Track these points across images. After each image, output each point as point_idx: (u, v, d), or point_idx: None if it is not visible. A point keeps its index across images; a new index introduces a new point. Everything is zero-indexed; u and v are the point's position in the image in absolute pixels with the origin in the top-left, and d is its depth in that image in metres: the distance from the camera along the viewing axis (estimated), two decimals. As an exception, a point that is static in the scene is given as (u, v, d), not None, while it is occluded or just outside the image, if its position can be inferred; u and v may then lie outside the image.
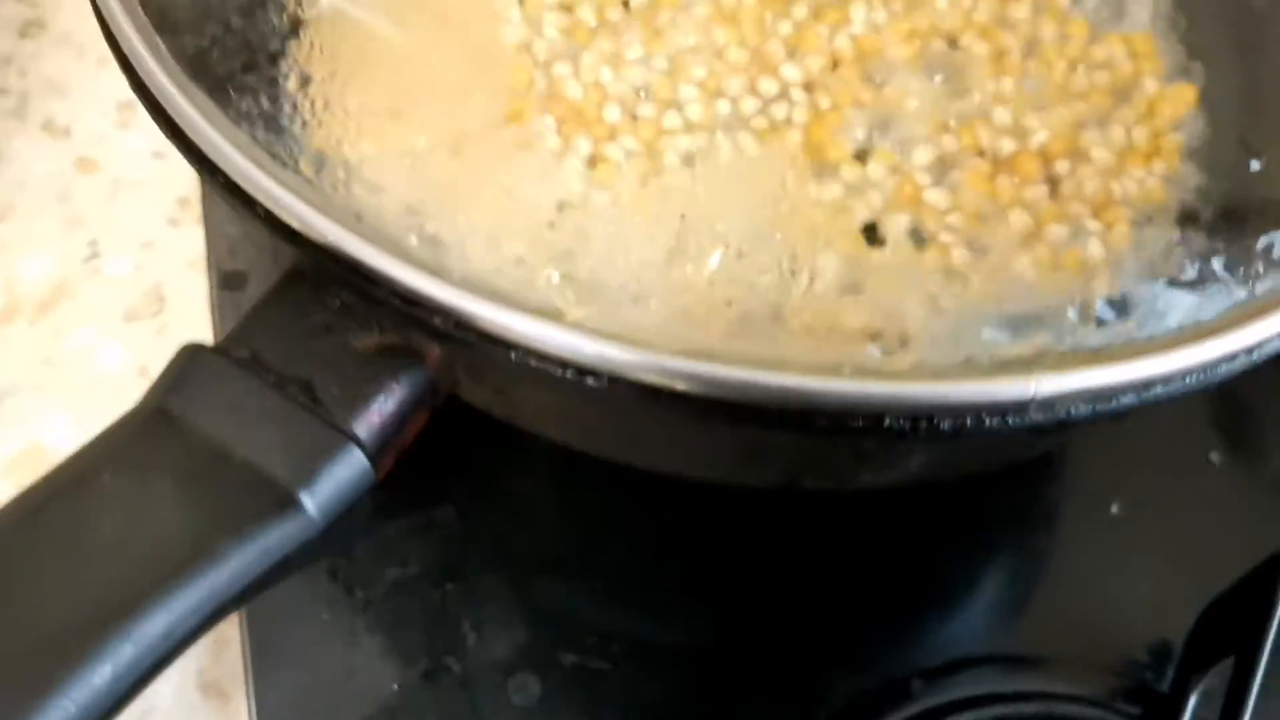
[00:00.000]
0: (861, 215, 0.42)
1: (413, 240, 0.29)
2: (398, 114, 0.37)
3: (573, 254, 0.34)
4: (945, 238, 0.41)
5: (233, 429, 0.27)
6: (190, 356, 0.28)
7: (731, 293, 0.35)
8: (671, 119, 0.43)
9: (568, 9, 0.45)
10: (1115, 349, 0.30)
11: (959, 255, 0.41)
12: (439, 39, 0.40)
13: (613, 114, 0.43)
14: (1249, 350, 0.28)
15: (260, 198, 0.28)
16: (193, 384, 0.28)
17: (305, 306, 0.29)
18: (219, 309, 0.50)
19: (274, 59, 0.35)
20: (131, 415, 0.28)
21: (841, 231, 0.41)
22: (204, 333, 0.52)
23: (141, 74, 0.29)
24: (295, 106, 0.33)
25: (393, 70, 0.39)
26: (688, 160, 0.40)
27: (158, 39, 0.29)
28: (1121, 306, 0.34)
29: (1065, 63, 0.46)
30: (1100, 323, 0.33)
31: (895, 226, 0.42)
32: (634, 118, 0.43)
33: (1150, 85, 0.46)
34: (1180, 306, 0.33)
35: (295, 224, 0.28)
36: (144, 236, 0.54)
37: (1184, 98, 0.45)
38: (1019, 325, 0.33)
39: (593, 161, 0.42)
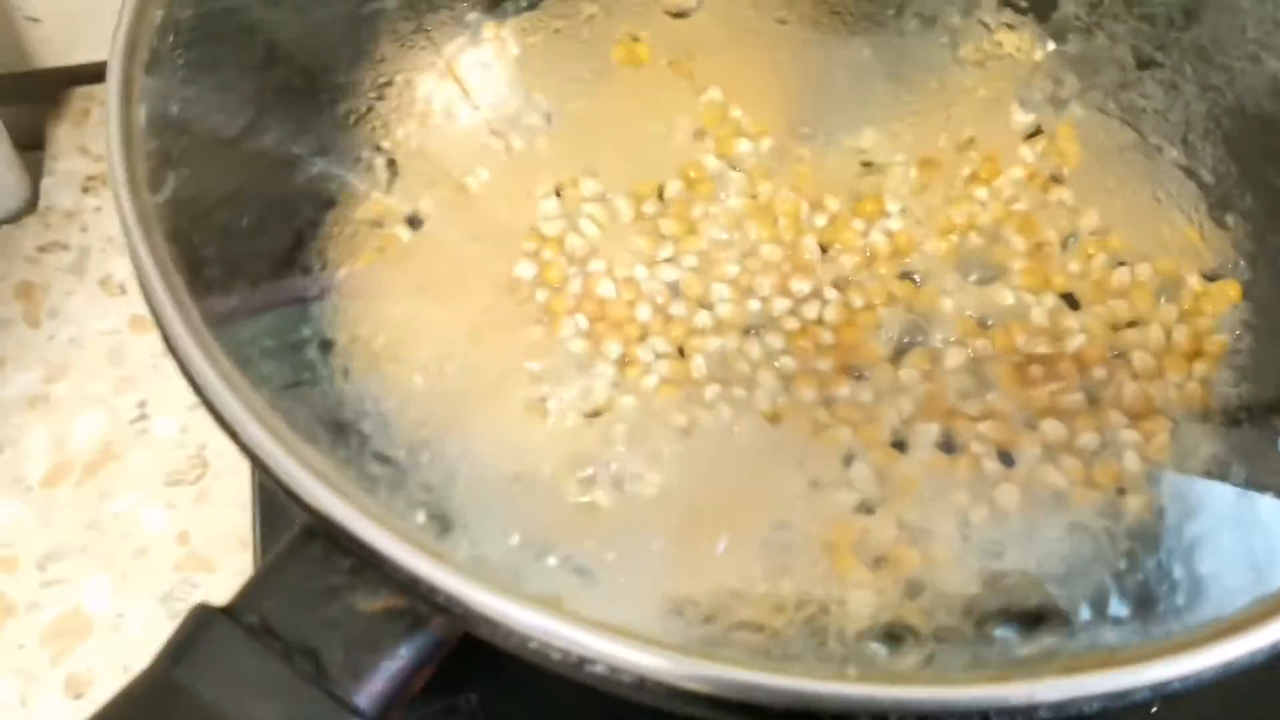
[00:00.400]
0: (891, 422, 0.41)
1: (419, 517, 0.30)
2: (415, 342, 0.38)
3: (585, 532, 0.34)
4: (976, 447, 0.41)
5: (238, 703, 0.28)
6: (199, 622, 0.29)
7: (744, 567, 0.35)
8: (702, 318, 0.43)
9: (602, 200, 0.45)
10: (1130, 649, 0.29)
11: (990, 467, 0.41)
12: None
13: (644, 313, 0.43)
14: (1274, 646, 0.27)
15: (270, 464, 0.28)
16: (201, 652, 0.28)
17: (316, 567, 0.29)
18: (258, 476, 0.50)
19: (299, 322, 0.36)
20: (139, 683, 0.29)
21: (871, 440, 0.41)
22: (243, 496, 0.53)
23: (169, 335, 0.30)
24: (314, 371, 0.34)
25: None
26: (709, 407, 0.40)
27: (188, 299, 0.30)
28: (1141, 595, 0.33)
29: (1105, 255, 0.45)
30: (1116, 621, 0.32)
31: (924, 434, 0.41)
32: (666, 317, 0.43)
33: (1193, 281, 0.45)
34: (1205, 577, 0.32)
35: (303, 495, 0.28)
36: (192, 398, 0.55)
37: (1227, 294, 0.44)
38: (1030, 621, 0.32)
39: (623, 364, 0.42)
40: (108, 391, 0.54)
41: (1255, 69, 0.41)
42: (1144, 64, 0.44)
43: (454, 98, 0.46)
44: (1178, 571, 0.35)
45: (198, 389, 0.30)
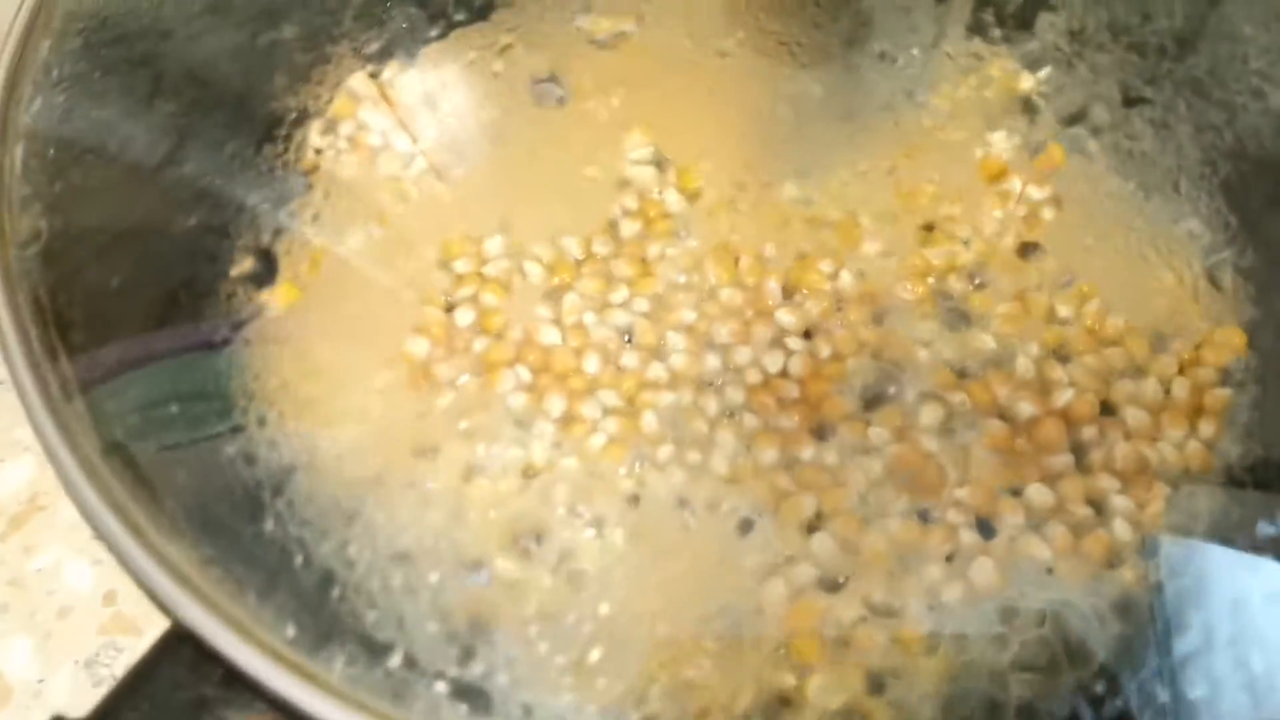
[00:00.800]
0: (859, 486, 0.38)
1: (289, 630, 0.26)
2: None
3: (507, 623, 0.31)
4: (953, 516, 0.37)
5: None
6: (53, 739, 0.25)
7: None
8: (655, 370, 0.39)
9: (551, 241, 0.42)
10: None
11: (967, 538, 0.37)
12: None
13: (592, 364, 0.39)
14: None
15: (129, 562, 0.25)
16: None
17: (185, 675, 0.26)
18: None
19: (181, 380, 0.32)
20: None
21: (836, 508, 0.37)
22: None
23: (27, 406, 0.26)
24: (192, 438, 0.31)
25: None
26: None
27: (47, 362, 0.27)
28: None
29: (1098, 301, 0.41)
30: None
31: (895, 501, 0.38)
32: (617, 368, 0.39)
33: (1196, 326, 0.41)
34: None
35: (165, 599, 0.25)
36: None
37: (1231, 344, 0.40)
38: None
39: (566, 422, 0.38)
40: (34, 439, 0.51)
41: (1258, 104, 0.37)
42: (1131, 101, 0.39)
43: (360, 135, 0.43)
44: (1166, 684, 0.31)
45: (58, 468, 0.27)
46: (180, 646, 0.27)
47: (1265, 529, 0.36)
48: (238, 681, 0.26)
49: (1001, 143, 0.41)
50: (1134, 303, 0.39)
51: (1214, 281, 0.39)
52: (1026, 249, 0.40)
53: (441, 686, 0.28)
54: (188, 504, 0.29)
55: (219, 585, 0.26)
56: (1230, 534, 0.37)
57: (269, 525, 0.31)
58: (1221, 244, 0.38)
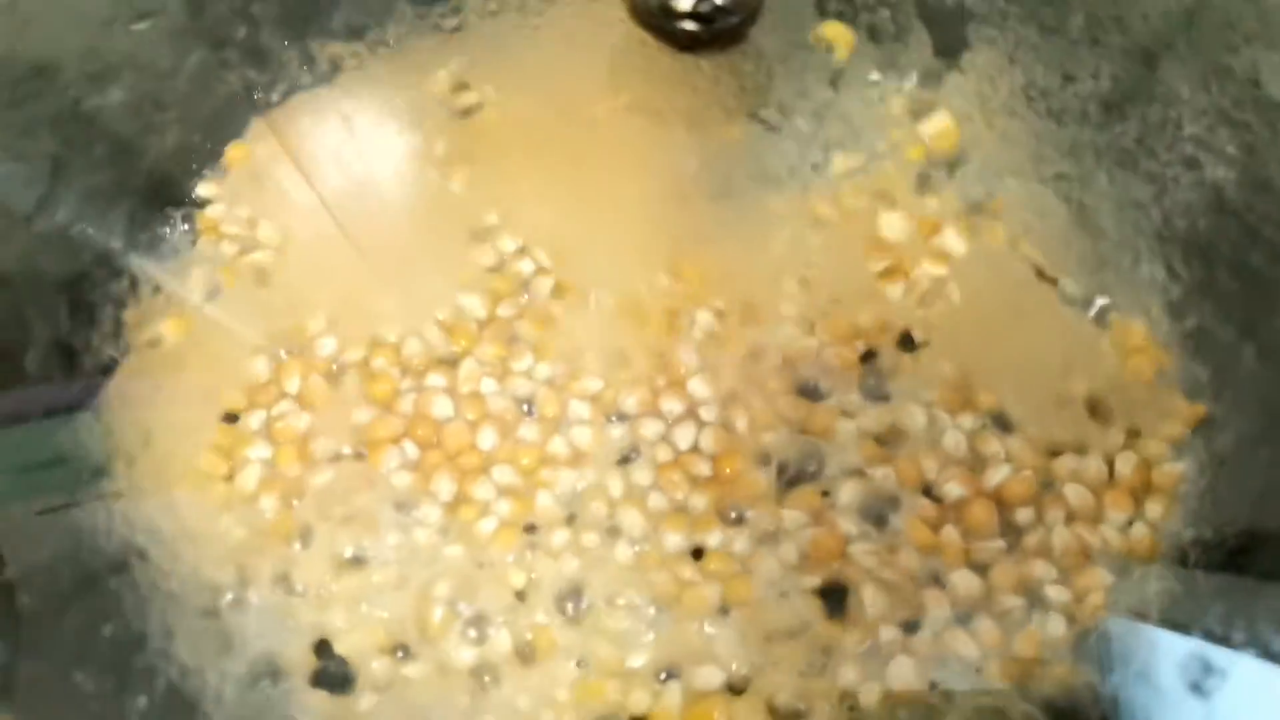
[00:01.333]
0: (770, 573, 0.35)
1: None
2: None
3: None
4: (872, 607, 0.34)
5: None
6: None
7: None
8: (557, 446, 0.36)
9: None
10: None
11: (887, 634, 0.34)
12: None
13: (488, 440, 0.36)
14: None
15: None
16: None
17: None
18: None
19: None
20: None
21: (742, 599, 0.34)
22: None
23: None
24: None
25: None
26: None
27: None
28: None
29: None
30: None
31: (808, 587, 0.35)
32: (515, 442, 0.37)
33: (1140, 391, 0.37)
34: None
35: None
36: None
37: (1186, 415, 0.37)
38: None
39: (454, 506, 0.35)
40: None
41: (1191, 176, 0.33)
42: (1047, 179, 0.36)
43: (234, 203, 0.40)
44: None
45: None
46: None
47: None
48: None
49: (895, 224, 0.38)
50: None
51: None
52: (906, 342, 0.37)
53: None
54: None
55: None
56: (1181, 623, 0.34)
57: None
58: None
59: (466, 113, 0.40)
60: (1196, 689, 0.33)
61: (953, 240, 0.37)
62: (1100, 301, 0.35)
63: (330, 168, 0.39)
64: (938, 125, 0.38)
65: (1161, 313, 0.35)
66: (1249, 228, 0.30)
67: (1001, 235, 0.37)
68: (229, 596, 0.33)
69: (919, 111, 0.38)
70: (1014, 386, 0.36)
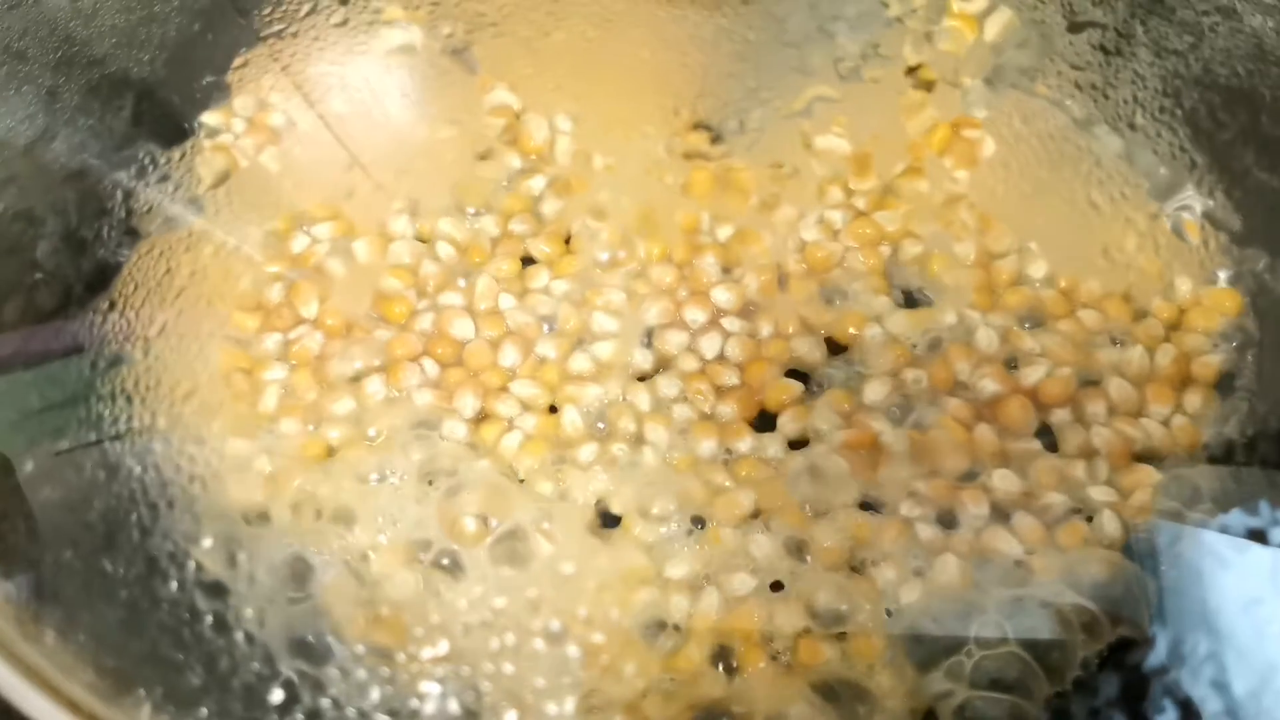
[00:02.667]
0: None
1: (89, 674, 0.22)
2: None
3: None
4: (908, 508, 0.33)
5: None
6: None
7: None
8: (580, 362, 0.35)
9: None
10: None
11: (925, 532, 0.33)
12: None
13: (509, 357, 0.36)
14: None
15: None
16: None
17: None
18: None
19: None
20: None
21: (778, 504, 0.33)
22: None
23: None
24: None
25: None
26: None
27: None
28: None
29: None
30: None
31: (844, 493, 0.34)
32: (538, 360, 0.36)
33: (1183, 286, 0.36)
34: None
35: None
36: None
37: (1224, 305, 0.36)
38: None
39: (479, 420, 0.35)
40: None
41: (1228, 25, 0.32)
42: (1078, 27, 0.35)
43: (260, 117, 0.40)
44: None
45: None
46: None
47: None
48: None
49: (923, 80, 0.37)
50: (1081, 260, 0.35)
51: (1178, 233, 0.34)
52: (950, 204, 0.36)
53: None
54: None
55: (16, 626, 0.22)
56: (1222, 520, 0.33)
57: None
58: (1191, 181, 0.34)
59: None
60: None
61: (980, 94, 0.36)
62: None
63: (335, 86, 0.39)
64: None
65: (1202, 164, 0.33)
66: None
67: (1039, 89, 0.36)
68: (254, 524, 0.32)
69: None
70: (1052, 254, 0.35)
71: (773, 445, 0.35)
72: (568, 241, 0.38)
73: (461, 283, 0.37)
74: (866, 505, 0.33)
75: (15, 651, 0.22)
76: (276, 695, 0.27)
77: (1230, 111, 0.33)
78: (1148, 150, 0.34)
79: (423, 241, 0.38)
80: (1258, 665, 0.28)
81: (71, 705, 0.21)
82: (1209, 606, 0.31)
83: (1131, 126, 0.34)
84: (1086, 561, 0.33)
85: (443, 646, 0.30)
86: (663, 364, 0.36)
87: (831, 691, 0.31)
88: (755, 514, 0.33)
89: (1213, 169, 0.33)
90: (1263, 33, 0.30)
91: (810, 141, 0.38)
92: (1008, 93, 0.36)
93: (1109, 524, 0.32)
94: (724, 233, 0.38)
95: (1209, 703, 0.28)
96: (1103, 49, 0.34)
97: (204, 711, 0.24)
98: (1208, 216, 0.34)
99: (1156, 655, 0.29)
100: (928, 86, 0.38)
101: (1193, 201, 0.34)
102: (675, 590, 0.32)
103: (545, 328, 0.36)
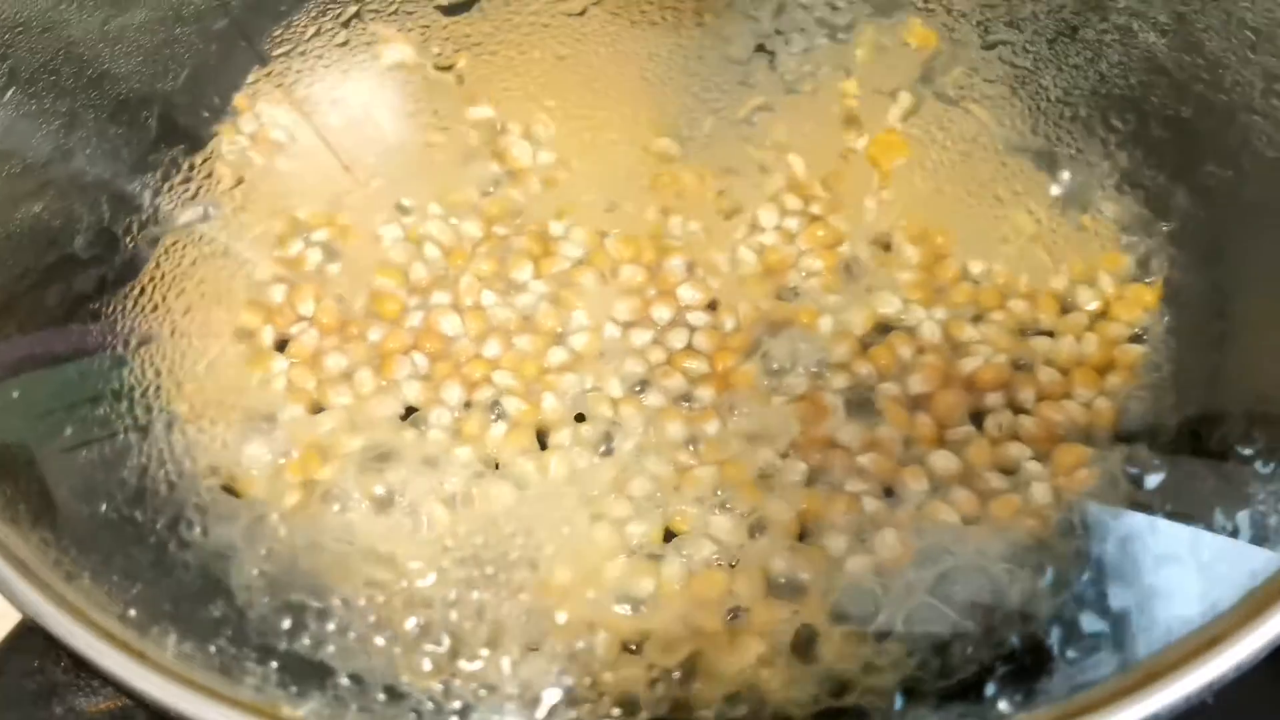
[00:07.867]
0: (764, 456, 0.37)
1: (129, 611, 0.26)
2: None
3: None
4: (854, 484, 0.36)
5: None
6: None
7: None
8: (557, 354, 0.39)
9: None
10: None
11: (871, 505, 0.36)
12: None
13: (492, 349, 0.39)
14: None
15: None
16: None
17: (36, 663, 0.25)
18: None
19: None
20: None
21: (737, 479, 0.37)
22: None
23: None
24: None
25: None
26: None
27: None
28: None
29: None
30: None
31: (794, 471, 0.37)
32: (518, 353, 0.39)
33: (1107, 283, 0.40)
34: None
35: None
36: None
37: (1143, 299, 0.40)
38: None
39: (464, 408, 0.38)
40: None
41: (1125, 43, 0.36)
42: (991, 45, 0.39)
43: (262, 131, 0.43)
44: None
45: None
46: (31, 637, 0.26)
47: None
48: (84, 668, 0.25)
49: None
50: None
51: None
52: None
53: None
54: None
55: (56, 569, 0.25)
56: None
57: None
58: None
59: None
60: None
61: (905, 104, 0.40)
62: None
63: (335, 101, 0.42)
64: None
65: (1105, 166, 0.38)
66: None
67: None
68: (263, 510, 0.35)
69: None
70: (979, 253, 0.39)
71: (734, 428, 0.38)
72: (545, 242, 0.41)
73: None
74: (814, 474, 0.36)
75: (58, 590, 0.25)
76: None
77: (1123, 118, 0.37)
78: (1056, 153, 0.38)
79: (413, 243, 0.41)
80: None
81: (108, 635, 0.24)
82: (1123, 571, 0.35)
83: (1035, 132, 0.38)
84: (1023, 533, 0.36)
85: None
86: (635, 355, 0.39)
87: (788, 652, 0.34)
88: (718, 489, 0.37)
89: (1112, 170, 0.37)
90: (1155, 49, 0.34)
91: (756, 148, 0.42)
92: (931, 103, 0.40)
93: (1041, 496, 0.36)
94: (687, 232, 0.41)
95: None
96: (1013, 64, 0.38)
97: (221, 641, 0.28)
98: (1104, 211, 0.38)
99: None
100: (858, 98, 0.42)
101: (1095, 198, 0.38)
102: (643, 561, 0.35)
103: (525, 321, 0.40)
